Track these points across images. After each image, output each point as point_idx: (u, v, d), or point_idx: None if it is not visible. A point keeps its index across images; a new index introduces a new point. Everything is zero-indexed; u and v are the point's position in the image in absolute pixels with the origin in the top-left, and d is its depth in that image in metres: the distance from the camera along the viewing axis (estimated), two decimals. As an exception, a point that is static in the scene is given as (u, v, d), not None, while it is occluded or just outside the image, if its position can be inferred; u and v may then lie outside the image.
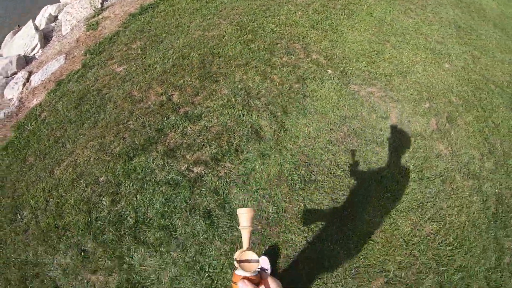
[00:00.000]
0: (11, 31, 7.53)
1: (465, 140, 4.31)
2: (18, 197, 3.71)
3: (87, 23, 5.93)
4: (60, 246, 3.22)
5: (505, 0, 9.23)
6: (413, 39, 5.74)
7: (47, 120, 4.44)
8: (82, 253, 3.14)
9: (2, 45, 6.99)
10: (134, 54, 5.00)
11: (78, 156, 3.92)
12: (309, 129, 3.99)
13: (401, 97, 4.60)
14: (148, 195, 3.43)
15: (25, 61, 6.00)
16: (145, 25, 5.56)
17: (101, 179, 3.66)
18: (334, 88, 4.49)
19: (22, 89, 5.28)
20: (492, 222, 3.61)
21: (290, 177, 3.56)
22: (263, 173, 3.58)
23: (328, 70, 4.71)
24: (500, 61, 5.96)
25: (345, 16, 5.92)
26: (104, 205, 3.43)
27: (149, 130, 3.97)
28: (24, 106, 4.92)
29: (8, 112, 4.90)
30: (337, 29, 5.53)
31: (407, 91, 4.70)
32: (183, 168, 3.61)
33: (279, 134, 3.89)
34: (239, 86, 4.39)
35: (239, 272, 1.06)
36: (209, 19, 5.56)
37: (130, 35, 5.39)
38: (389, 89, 4.66)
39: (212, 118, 4.02)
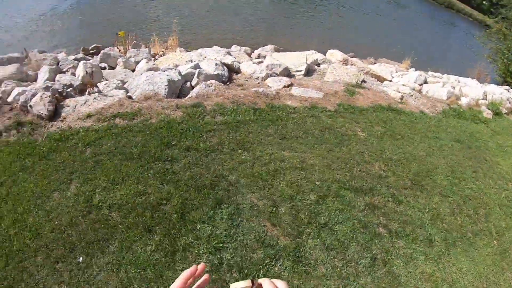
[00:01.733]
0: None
1: None
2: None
3: (347, 86, 7.23)
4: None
5: None
6: None
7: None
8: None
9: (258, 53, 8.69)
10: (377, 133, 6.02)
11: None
12: None
13: None
14: None
15: (287, 73, 7.43)
16: (386, 131, 6.52)
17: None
18: None
19: (281, 88, 6.52)
20: None
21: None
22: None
23: None
24: None
25: None
26: None
27: None
28: (279, 98, 6.07)
29: (265, 92, 6.08)
30: None
31: None
32: None
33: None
34: None
35: None
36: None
37: (368, 121, 6.49)
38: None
39: None
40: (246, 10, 15.13)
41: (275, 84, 6.69)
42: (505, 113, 10.72)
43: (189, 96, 5.80)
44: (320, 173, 4.61)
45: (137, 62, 7.27)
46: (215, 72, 6.49)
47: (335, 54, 9.28)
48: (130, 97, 5.63)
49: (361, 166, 5.04)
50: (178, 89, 6.00)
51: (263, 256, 3.33)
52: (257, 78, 6.95)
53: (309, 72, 7.92)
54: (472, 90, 10.77)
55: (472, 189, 5.59)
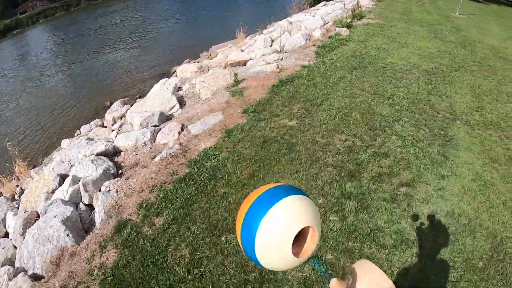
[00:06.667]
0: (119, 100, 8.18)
1: None
2: (217, 222, 3.85)
3: (230, 90, 6.57)
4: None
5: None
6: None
7: (231, 158, 4.75)
8: (325, 264, 3.27)
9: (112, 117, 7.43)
10: (299, 113, 5.74)
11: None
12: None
13: None
14: (373, 210, 3.83)
15: (165, 118, 6.39)
16: (294, 94, 6.44)
17: (320, 201, 3.95)
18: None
19: (178, 136, 5.52)
20: None
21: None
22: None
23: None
24: None
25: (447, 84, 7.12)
26: (334, 220, 3.71)
27: (348, 164, 4.53)
28: (189, 149, 5.11)
29: (172, 153, 5.05)
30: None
31: None
32: (393, 188, 4.15)
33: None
34: (404, 134, 5.21)
35: None
36: (350, 90, 6.58)
37: (284, 100, 6.21)
38: None
39: (396, 155, 4.73)
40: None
41: (169, 137, 5.63)
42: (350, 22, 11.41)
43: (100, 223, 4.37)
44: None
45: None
46: (101, 171, 5.10)
47: (187, 69, 8.43)
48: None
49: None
50: (78, 222, 4.52)
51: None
52: (144, 144, 5.75)
53: (181, 102, 6.95)
54: (312, 22, 11.09)
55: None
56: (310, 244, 0.96)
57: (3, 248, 4.65)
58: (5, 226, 5.24)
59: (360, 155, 4.67)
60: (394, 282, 0.77)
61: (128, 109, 7.50)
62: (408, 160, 4.60)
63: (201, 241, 3.68)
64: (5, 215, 5.33)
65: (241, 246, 0.99)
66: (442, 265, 3.26)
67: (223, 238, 3.67)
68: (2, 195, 6.19)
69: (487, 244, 3.46)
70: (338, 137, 5.08)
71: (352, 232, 3.56)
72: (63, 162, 6.06)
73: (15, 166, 6.85)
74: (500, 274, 3.17)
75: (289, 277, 3.20)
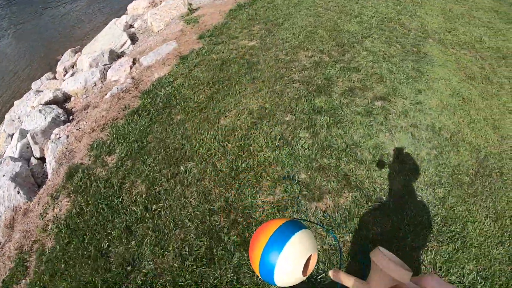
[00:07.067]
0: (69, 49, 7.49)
1: None
2: (175, 151, 3.46)
3: (184, 19, 6.01)
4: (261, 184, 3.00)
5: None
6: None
7: (187, 84, 4.28)
8: (298, 184, 2.91)
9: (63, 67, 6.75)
10: (260, 34, 5.28)
11: (247, 105, 3.79)
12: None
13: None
14: (347, 124, 3.50)
15: (116, 56, 5.79)
16: (254, 16, 5.92)
17: (287, 118, 3.57)
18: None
19: (130, 70, 4.99)
20: None
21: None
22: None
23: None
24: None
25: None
26: (304, 137, 3.35)
27: (317, 80, 4.15)
28: (142, 81, 4.61)
29: (124, 87, 4.56)
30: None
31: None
32: (366, 102, 3.84)
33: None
34: (374, 49, 4.89)
35: None
36: (314, 10, 6.14)
37: (243, 23, 5.70)
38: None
39: (368, 69, 4.43)
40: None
41: (120, 72, 5.06)
42: None
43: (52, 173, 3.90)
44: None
45: None
46: (50, 120, 4.57)
47: (138, 5, 7.66)
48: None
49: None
50: (29, 177, 4.06)
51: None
52: (95, 84, 5.19)
53: (133, 39, 6.30)
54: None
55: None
56: (313, 263, 1.07)
57: None
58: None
59: (328, 70, 4.31)
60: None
61: (80, 55, 6.85)
62: (381, 75, 4.30)
63: (158, 174, 3.29)
64: None
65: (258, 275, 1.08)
66: (427, 180, 3.01)
67: (182, 168, 3.27)
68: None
69: (472, 159, 3.26)
70: (304, 54, 4.70)
71: (326, 148, 3.22)
72: (13, 120, 5.49)
73: None
74: (488, 190, 2.98)
75: (259, 202, 2.84)
